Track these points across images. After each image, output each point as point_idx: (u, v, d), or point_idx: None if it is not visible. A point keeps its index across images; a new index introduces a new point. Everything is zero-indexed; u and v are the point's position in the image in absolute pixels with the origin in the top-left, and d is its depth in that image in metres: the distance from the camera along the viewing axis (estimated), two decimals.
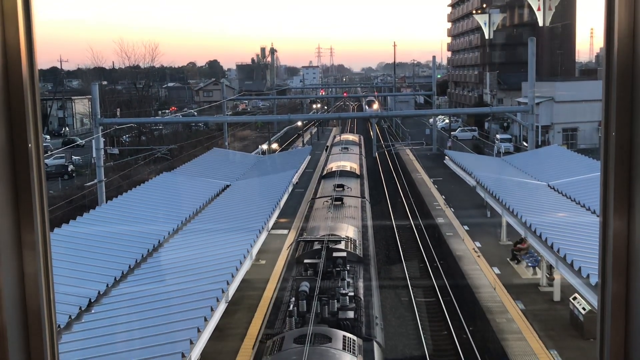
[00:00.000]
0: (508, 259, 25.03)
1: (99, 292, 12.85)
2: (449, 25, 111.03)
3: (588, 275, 13.28)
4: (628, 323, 2.09)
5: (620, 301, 2.08)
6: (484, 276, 23.33)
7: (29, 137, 1.91)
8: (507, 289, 21.79)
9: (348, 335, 10.88)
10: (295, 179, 28.87)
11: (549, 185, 24.84)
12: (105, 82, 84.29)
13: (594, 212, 19.40)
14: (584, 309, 17.94)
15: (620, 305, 2.09)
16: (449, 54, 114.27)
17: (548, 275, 21.73)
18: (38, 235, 1.93)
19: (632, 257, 2.03)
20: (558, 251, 15.34)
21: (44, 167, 1.96)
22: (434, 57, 68.85)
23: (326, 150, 49.24)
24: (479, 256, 25.68)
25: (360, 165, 34.98)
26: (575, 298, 18.45)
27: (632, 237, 2.02)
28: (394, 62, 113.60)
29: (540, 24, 78.23)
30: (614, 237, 2.04)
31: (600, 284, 2.13)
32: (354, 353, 10.29)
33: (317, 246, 16.15)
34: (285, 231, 29.12)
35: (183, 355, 9.65)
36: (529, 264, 23.66)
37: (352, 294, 12.81)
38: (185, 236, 18.01)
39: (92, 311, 12.06)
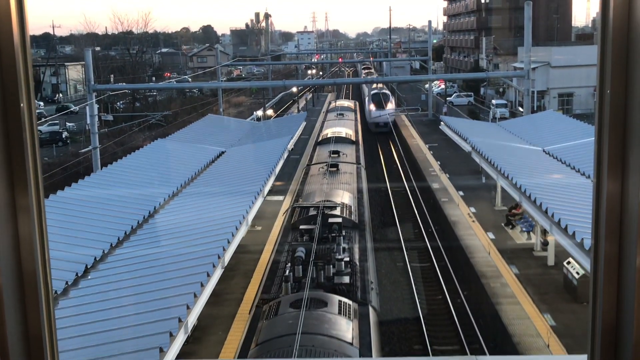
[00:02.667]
0: (502, 224, 25.16)
1: (95, 258, 12.90)
2: None
3: (582, 240, 13.36)
4: (620, 285, 2.10)
5: (613, 263, 2.09)
6: (479, 241, 23.47)
7: (21, 97, 1.89)
8: (501, 253, 21.95)
9: (343, 299, 10.98)
10: (290, 146, 28.82)
11: (544, 151, 24.87)
12: (98, 48, 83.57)
13: (588, 177, 19.45)
14: (577, 273, 18.09)
15: (613, 267, 2.10)
16: (445, 18, 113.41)
17: (542, 240, 21.87)
18: (32, 197, 1.93)
19: (625, 219, 2.04)
20: (552, 216, 15.41)
21: (36, 127, 1.95)
22: (429, 22, 68.37)
23: (321, 117, 49.11)
24: (473, 221, 25.80)
25: (356, 132, 34.93)
26: (569, 262, 18.60)
27: (625, 199, 2.02)
28: (390, 27, 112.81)
29: None
30: (608, 198, 2.05)
31: (594, 246, 2.14)
32: (349, 317, 10.40)
33: (312, 212, 16.21)
34: (280, 197, 29.17)
35: (180, 320, 9.72)
36: (524, 229, 23.79)
37: (347, 259, 12.90)
38: (180, 203, 18.02)
39: (89, 277, 12.11)
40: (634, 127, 1.97)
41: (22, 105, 1.89)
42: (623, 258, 2.07)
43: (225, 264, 13.50)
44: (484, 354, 16.37)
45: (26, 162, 1.91)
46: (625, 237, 2.05)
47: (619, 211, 2.05)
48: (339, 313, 10.39)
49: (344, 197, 18.16)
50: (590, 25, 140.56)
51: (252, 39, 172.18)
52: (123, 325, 9.85)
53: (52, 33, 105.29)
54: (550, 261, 20.88)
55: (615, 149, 2.01)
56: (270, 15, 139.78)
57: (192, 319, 10.51)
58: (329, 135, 31.02)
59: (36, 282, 1.97)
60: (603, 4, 2.01)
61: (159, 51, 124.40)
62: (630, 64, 1.98)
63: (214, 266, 12.27)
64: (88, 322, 9.97)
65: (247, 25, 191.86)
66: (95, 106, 30.67)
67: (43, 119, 54.43)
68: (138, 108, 65.67)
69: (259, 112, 56.85)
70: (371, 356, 9.72)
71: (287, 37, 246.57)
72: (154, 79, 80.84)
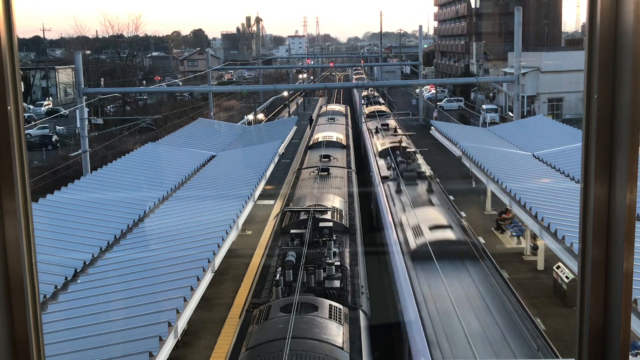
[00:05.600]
0: (493, 229, 25.22)
1: (84, 262, 12.84)
2: None
3: (572, 244, 13.42)
4: (607, 288, 2.11)
5: (601, 267, 2.11)
6: None
7: (7, 100, 1.88)
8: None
9: (334, 304, 10.96)
10: (281, 150, 28.82)
11: (534, 156, 24.96)
12: (88, 52, 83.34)
13: (578, 182, 19.54)
14: (567, 277, 18.16)
15: (600, 271, 2.11)
16: (436, 23, 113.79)
17: (532, 244, 21.94)
18: (19, 201, 1.92)
19: (612, 223, 2.05)
20: (542, 220, 15.47)
21: (23, 131, 1.94)
22: (420, 27, 68.52)
23: (312, 121, 49.10)
24: None
25: (347, 136, 34.93)
26: (558, 267, 18.67)
27: (612, 203, 2.04)
28: (381, 31, 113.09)
29: None
30: (595, 202, 2.06)
31: (581, 250, 2.15)
32: (339, 321, 10.39)
33: (303, 216, 16.20)
34: (271, 202, 29.15)
35: (170, 325, 9.69)
36: (513, 233, 23.86)
37: (338, 263, 12.89)
38: (171, 206, 17.97)
39: (78, 281, 12.06)
40: (621, 132, 1.98)
41: (9, 108, 1.88)
42: (610, 262, 2.08)
43: (216, 268, 13.48)
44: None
45: (13, 166, 1.90)
46: (612, 241, 2.06)
47: (606, 215, 2.06)
48: (330, 317, 10.38)
49: (335, 201, 18.15)
50: (580, 31, 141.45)
51: (243, 43, 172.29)
52: (112, 329, 9.82)
53: (42, 36, 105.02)
54: (540, 265, 20.95)
55: (602, 153, 2.02)
56: (261, 20, 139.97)
57: (181, 324, 10.48)
58: (319, 140, 31.02)
59: (23, 286, 1.96)
60: (590, 10, 2.02)
61: (150, 55, 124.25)
62: (617, 69, 1.99)
63: (204, 270, 12.24)
64: (77, 326, 9.92)
65: (238, 29, 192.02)
66: (86, 110, 30.57)
67: (33, 122, 54.22)
68: (128, 112, 65.56)
69: (250, 116, 56.81)
70: None
71: (278, 41, 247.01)
72: (144, 82, 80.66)
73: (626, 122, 1.96)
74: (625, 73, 1.96)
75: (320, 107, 58.98)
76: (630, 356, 2.19)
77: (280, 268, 12.61)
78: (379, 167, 24.41)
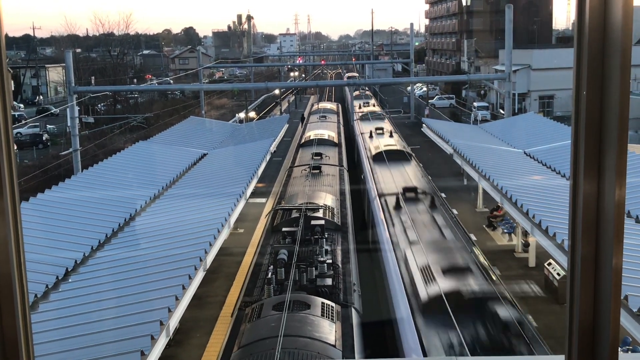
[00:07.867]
0: (484, 226, 25.28)
1: (76, 261, 12.79)
2: None
3: (562, 241, 13.47)
4: (597, 285, 2.12)
5: (590, 263, 2.11)
6: None
7: None
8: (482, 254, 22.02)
9: (326, 301, 10.97)
10: (273, 148, 28.78)
11: (525, 153, 25.02)
12: (79, 50, 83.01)
13: (569, 179, 19.59)
14: (558, 274, 18.24)
15: (590, 267, 2.12)
16: (427, 21, 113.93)
17: (523, 241, 22.01)
18: (7, 200, 1.91)
19: (601, 220, 2.06)
20: (533, 217, 15.52)
21: (11, 130, 1.93)
22: (411, 25, 68.60)
23: (303, 119, 49.06)
24: None
25: (339, 134, 34.94)
26: (549, 264, 18.74)
27: (601, 199, 2.04)
28: (372, 29, 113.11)
29: None
30: (584, 199, 2.07)
31: (570, 246, 2.16)
32: (332, 319, 10.39)
33: (295, 214, 16.19)
34: (263, 200, 29.12)
35: (161, 324, 9.66)
36: (505, 231, 23.93)
37: (330, 261, 12.89)
38: (162, 205, 17.92)
39: (69, 280, 12.01)
40: (610, 129, 1.99)
41: None
42: (599, 258, 2.09)
43: (207, 267, 13.45)
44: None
45: (1, 165, 1.89)
46: (601, 237, 2.07)
47: (595, 212, 2.07)
48: (322, 315, 10.38)
49: (327, 199, 18.15)
50: (570, 28, 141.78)
51: (234, 41, 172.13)
52: (104, 328, 9.78)
53: (32, 34, 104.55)
54: (532, 262, 21.01)
55: (591, 150, 2.03)
56: (252, 17, 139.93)
57: (173, 322, 10.46)
58: (311, 138, 31.00)
59: (11, 286, 1.95)
60: (579, 7, 2.03)
61: (141, 53, 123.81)
62: (606, 66, 2.00)
63: (195, 269, 12.21)
64: (68, 325, 9.88)
65: (229, 27, 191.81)
66: (76, 108, 30.44)
67: (23, 121, 53.98)
68: (119, 110, 65.36)
69: (241, 114, 56.73)
70: (354, 358, 9.72)
71: (269, 39, 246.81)
72: (135, 81, 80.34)
73: (615, 118, 1.97)
74: (613, 70, 1.97)
75: (312, 105, 58.96)
76: (620, 352, 2.20)
77: (272, 266, 12.61)
78: (372, 166, 24.43)
